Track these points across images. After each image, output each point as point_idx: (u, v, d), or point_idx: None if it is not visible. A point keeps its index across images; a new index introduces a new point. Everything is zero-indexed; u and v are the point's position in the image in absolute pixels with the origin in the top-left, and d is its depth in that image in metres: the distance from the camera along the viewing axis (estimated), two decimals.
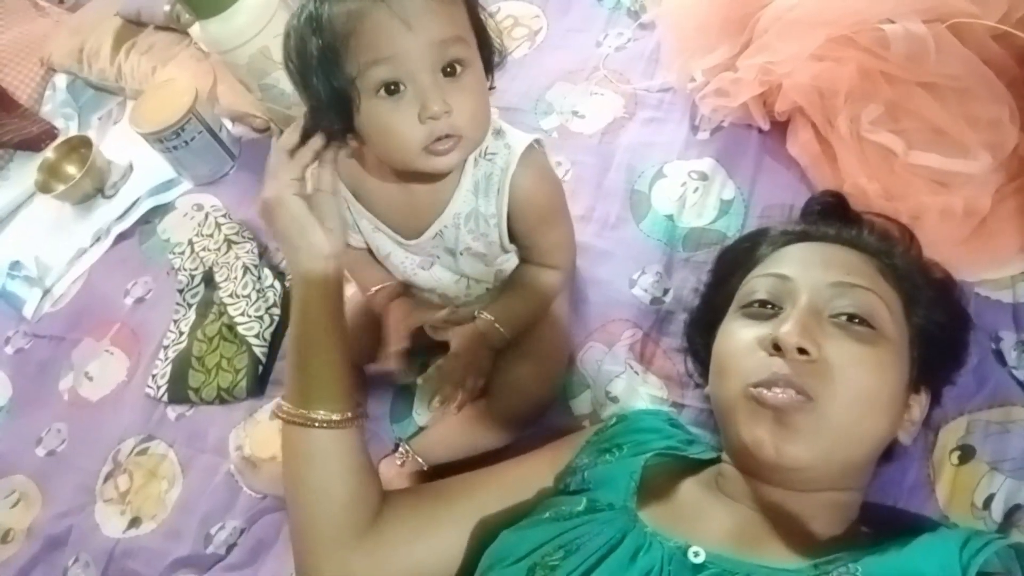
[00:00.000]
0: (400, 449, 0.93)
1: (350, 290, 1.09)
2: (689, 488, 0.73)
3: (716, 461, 0.76)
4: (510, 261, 0.92)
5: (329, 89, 0.69)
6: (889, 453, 0.73)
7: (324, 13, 0.67)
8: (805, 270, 0.70)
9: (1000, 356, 0.82)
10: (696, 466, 0.76)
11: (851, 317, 0.66)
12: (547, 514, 0.70)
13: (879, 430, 0.67)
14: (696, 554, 0.61)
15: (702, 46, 1.08)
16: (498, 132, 0.80)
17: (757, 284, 0.72)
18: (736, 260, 0.80)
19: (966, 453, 0.78)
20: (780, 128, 1.03)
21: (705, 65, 1.07)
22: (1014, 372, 0.81)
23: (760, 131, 1.05)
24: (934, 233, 0.85)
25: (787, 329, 0.64)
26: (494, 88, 0.78)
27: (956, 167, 0.86)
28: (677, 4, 1.14)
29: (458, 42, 0.69)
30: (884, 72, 0.89)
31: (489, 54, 0.75)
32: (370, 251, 0.93)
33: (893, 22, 0.87)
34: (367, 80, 0.68)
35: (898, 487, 0.78)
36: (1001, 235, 0.86)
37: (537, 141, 0.84)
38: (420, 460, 0.92)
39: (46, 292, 1.40)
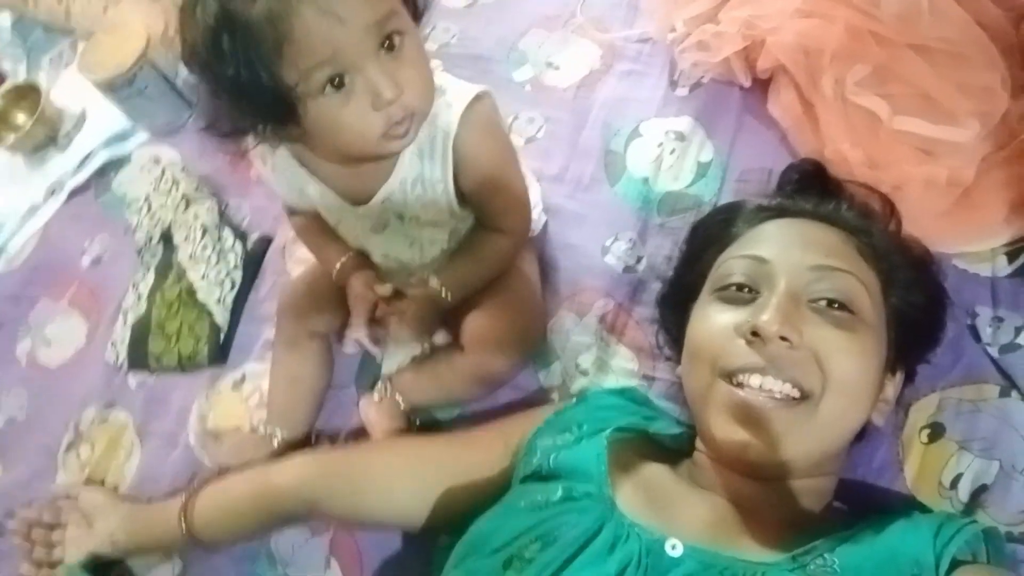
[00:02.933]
0: (379, 384, 0.92)
1: (299, 268, 1.06)
2: (662, 475, 0.72)
3: (681, 437, 0.75)
4: (464, 223, 0.88)
5: (258, 92, 0.65)
6: (861, 433, 0.72)
7: (239, 14, 0.62)
8: (783, 252, 0.67)
9: (975, 332, 0.80)
10: (663, 447, 0.74)
11: (831, 302, 0.64)
12: (522, 503, 0.68)
13: (860, 418, 0.67)
14: (673, 547, 0.60)
15: None
16: (438, 89, 0.75)
17: (733, 266, 0.70)
18: (710, 235, 0.77)
19: (936, 431, 0.77)
20: (762, 86, 0.99)
21: (687, 15, 1.01)
22: (988, 349, 0.79)
23: (741, 89, 1.00)
24: (916, 204, 0.82)
25: (767, 317, 0.62)
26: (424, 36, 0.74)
27: (943, 134, 0.82)
28: None
29: (391, 16, 0.66)
30: (874, 32, 0.84)
31: (415, 6, 0.71)
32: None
33: None
34: (311, 83, 0.65)
35: (867, 465, 0.77)
36: (984, 207, 0.83)
37: (483, 93, 0.79)
38: (399, 398, 0.91)
39: (1, 250, 1.34)
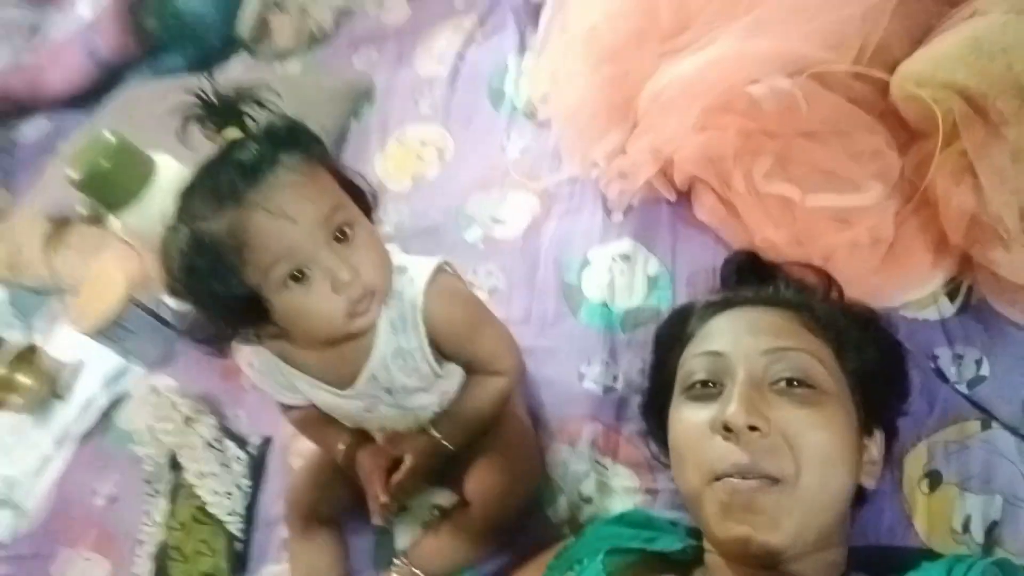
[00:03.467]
0: (396, 562, 0.93)
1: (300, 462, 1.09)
2: None
3: (688, 551, 0.75)
4: (450, 379, 0.92)
5: (233, 298, 0.72)
6: (860, 497, 0.73)
7: (205, 233, 0.70)
8: (736, 342, 0.71)
9: (940, 373, 0.84)
10: (671, 562, 0.75)
11: (789, 381, 0.67)
12: None
13: (844, 487, 0.67)
14: None
15: (596, 133, 1.13)
16: (400, 269, 0.82)
17: (694, 364, 0.73)
18: (670, 339, 0.81)
19: (934, 479, 0.79)
20: (687, 197, 1.07)
21: (602, 151, 1.12)
22: (957, 387, 0.82)
23: (669, 203, 1.09)
24: (847, 268, 0.88)
25: (733, 410, 0.65)
26: (380, 223, 0.82)
27: (852, 202, 0.90)
28: (565, 99, 1.19)
29: (338, 209, 0.73)
30: (762, 130, 0.93)
31: (364, 202, 0.79)
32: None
33: (758, 82, 0.92)
34: (272, 279, 0.71)
35: (877, 528, 0.78)
36: (911, 256, 0.88)
37: (444, 264, 0.86)
38: (417, 572, 0.91)
39: (18, 515, 1.37)
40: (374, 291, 0.77)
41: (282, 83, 1.58)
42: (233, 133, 0.73)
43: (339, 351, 0.84)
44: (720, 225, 1.00)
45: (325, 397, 0.89)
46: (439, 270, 0.85)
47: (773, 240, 0.93)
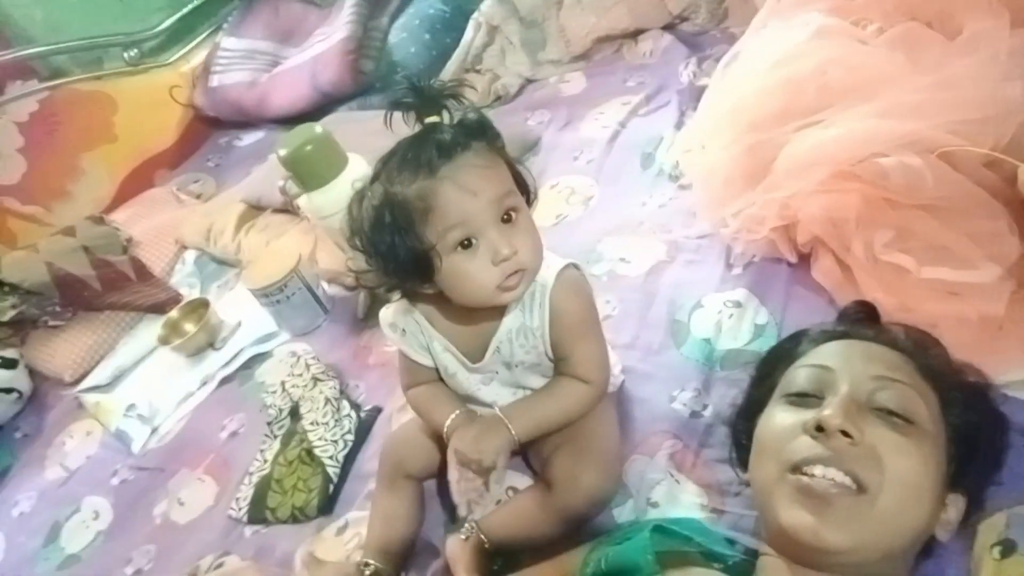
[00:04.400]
0: (467, 525, 0.99)
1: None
2: None
3: (736, 563, 0.76)
4: None
5: (409, 255, 0.84)
6: (928, 550, 0.74)
7: (399, 195, 0.83)
8: (847, 363, 0.74)
9: None
10: (714, 566, 0.76)
11: (891, 412, 0.69)
12: None
13: (919, 522, 0.68)
14: None
15: (729, 196, 1.22)
16: None
17: (799, 374, 0.77)
18: (779, 356, 0.86)
19: (1007, 547, 0.78)
20: (806, 261, 1.13)
21: (734, 210, 1.21)
22: None
23: (788, 264, 1.15)
24: (953, 339, 0.89)
25: (830, 412, 0.68)
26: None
27: (966, 278, 0.93)
28: (706, 165, 1.30)
29: (510, 195, 0.86)
30: (887, 199, 0.99)
31: (527, 194, 0.92)
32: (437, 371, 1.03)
33: (887, 155, 0.99)
34: (446, 242, 0.84)
35: None
36: (1019, 338, 0.90)
37: (574, 264, 0.96)
38: (484, 537, 0.98)
39: (154, 430, 1.56)
40: (525, 270, 0.88)
41: None
42: (433, 119, 0.87)
43: (473, 322, 0.95)
44: (834, 286, 1.06)
45: (452, 363, 1.00)
46: (572, 266, 0.96)
47: (883, 304, 0.96)
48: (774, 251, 1.16)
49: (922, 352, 0.79)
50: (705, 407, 1.05)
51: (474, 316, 0.94)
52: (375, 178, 0.87)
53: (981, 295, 0.92)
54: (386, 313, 1.01)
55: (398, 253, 0.85)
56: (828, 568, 0.68)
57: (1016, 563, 0.76)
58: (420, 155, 0.82)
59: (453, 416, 0.98)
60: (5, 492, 1.62)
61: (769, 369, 0.85)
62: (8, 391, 1.78)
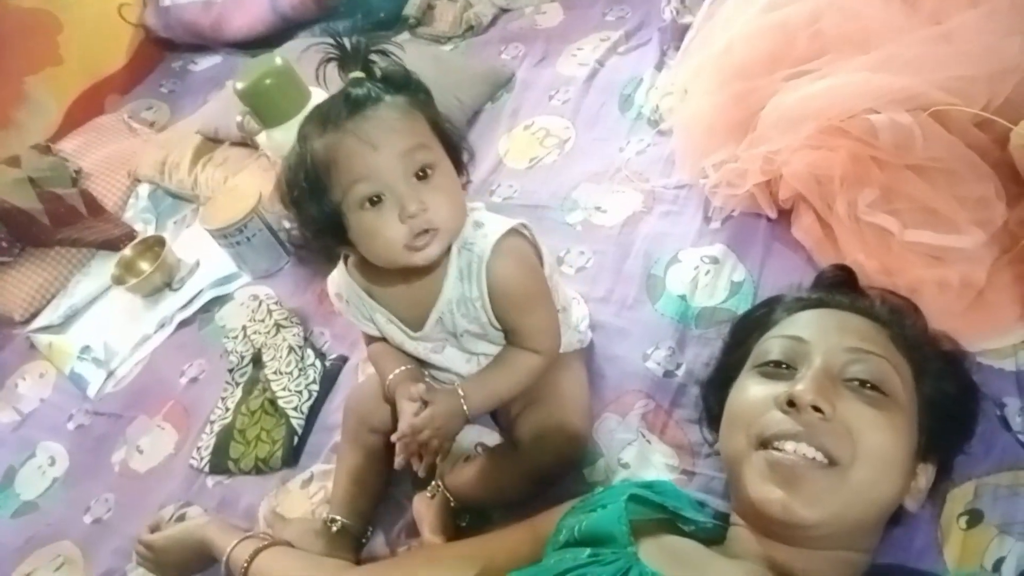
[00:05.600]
0: (432, 483, 0.98)
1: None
2: (690, 546, 0.73)
3: (707, 527, 0.76)
4: None
5: (321, 213, 0.82)
6: (896, 517, 0.74)
7: (307, 151, 0.80)
8: (820, 334, 0.73)
9: (1005, 422, 0.83)
10: (686, 530, 0.76)
11: (864, 383, 0.68)
12: (551, 562, 0.72)
13: (890, 494, 0.68)
14: None
15: (711, 146, 1.18)
16: (477, 224, 0.89)
17: (772, 345, 0.75)
18: (752, 323, 0.84)
19: (974, 517, 0.78)
20: (786, 216, 1.10)
21: (714, 161, 1.16)
22: (1020, 437, 0.81)
23: (768, 220, 1.12)
24: (933, 305, 0.88)
25: (802, 387, 0.66)
26: (469, 182, 0.90)
27: (949, 242, 0.91)
28: (689, 112, 1.25)
29: (421, 149, 0.81)
30: (875, 157, 0.96)
31: (457, 155, 0.87)
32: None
33: (878, 112, 0.95)
34: (351, 198, 0.80)
35: (906, 550, 0.78)
36: (999, 306, 0.89)
37: (522, 226, 0.91)
38: (449, 496, 0.97)
39: (110, 374, 1.51)
40: (437, 230, 0.83)
41: (433, 59, 1.72)
42: (356, 74, 0.83)
43: (412, 292, 0.91)
44: (814, 245, 1.03)
45: (397, 334, 0.97)
46: (514, 231, 0.90)
47: (863, 266, 0.94)
48: (754, 205, 1.12)
49: (898, 321, 0.78)
50: (679, 366, 1.03)
51: (413, 285, 0.91)
52: (297, 137, 0.84)
53: (964, 260, 0.90)
54: (331, 281, 0.98)
55: (311, 211, 0.83)
56: (798, 541, 0.68)
57: (981, 532, 0.77)
58: (331, 110, 0.80)
59: (395, 372, 0.97)
60: None
61: (742, 336, 0.84)
62: None
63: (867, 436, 0.65)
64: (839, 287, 0.87)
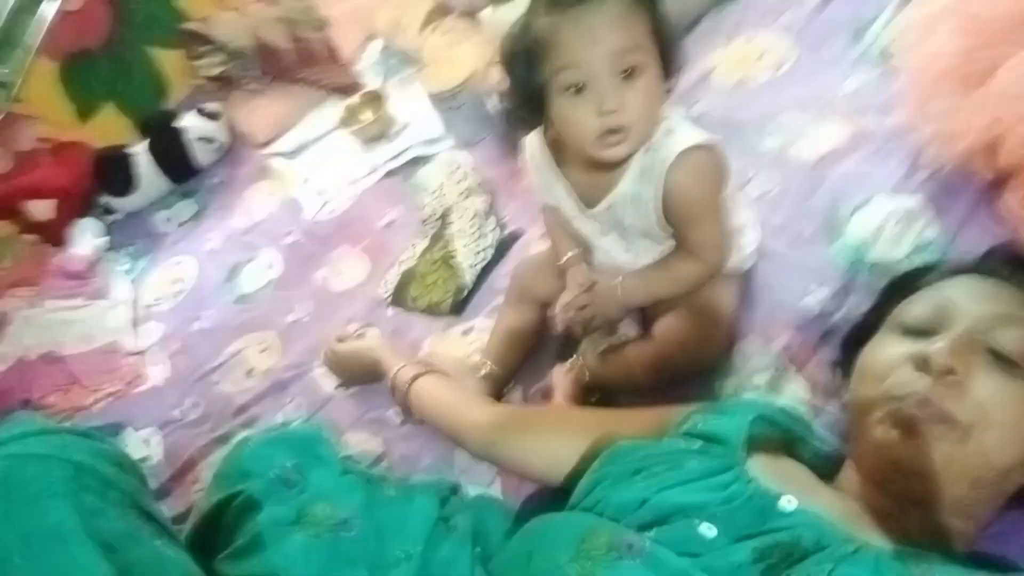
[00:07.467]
0: (574, 357, 1.09)
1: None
2: (802, 471, 0.77)
3: (825, 460, 0.79)
4: None
5: (527, 85, 0.87)
6: (1019, 501, 0.73)
7: (532, 24, 0.85)
8: (970, 299, 0.71)
9: None
10: (803, 456, 0.80)
11: (1007, 357, 0.66)
12: (664, 442, 0.79)
13: (1009, 463, 0.67)
14: (789, 501, 0.65)
15: (940, 92, 1.10)
16: (669, 130, 0.91)
17: (917, 306, 0.75)
18: (903, 283, 0.83)
19: None
20: (1001, 184, 1.03)
21: (939, 107, 1.09)
22: None
23: (979, 185, 1.05)
24: None
25: (940, 347, 0.66)
26: (671, 91, 0.91)
27: None
28: (925, 53, 1.16)
29: (635, 50, 0.84)
30: None
31: (668, 61, 0.88)
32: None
33: None
34: (558, 81, 0.85)
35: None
36: None
37: (708, 144, 0.92)
38: (586, 371, 1.07)
39: (325, 203, 1.74)
40: (628, 130, 0.87)
41: None
42: None
43: (593, 177, 0.97)
44: (1019, 224, 0.96)
45: (571, 208, 1.03)
46: (702, 146, 0.91)
47: None
48: (968, 164, 1.05)
49: None
50: (838, 310, 1.03)
51: (596, 170, 0.96)
52: (526, 9, 0.88)
53: None
54: (528, 141, 1.04)
55: (519, 80, 0.89)
56: (907, 496, 0.69)
57: None
58: None
59: (571, 254, 1.06)
60: (200, 229, 1.89)
61: (891, 296, 0.83)
62: (211, 140, 2.00)
63: (994, 404, 0.65)
64: (1005, 265, 0.83)
